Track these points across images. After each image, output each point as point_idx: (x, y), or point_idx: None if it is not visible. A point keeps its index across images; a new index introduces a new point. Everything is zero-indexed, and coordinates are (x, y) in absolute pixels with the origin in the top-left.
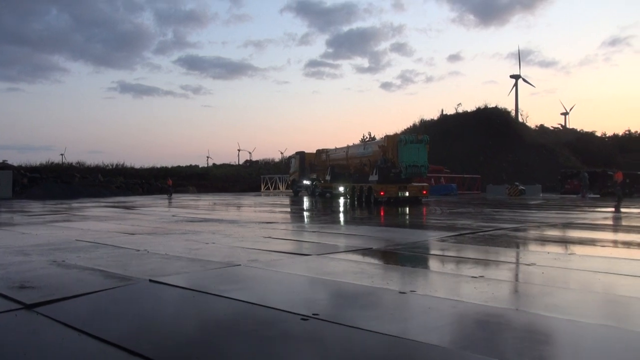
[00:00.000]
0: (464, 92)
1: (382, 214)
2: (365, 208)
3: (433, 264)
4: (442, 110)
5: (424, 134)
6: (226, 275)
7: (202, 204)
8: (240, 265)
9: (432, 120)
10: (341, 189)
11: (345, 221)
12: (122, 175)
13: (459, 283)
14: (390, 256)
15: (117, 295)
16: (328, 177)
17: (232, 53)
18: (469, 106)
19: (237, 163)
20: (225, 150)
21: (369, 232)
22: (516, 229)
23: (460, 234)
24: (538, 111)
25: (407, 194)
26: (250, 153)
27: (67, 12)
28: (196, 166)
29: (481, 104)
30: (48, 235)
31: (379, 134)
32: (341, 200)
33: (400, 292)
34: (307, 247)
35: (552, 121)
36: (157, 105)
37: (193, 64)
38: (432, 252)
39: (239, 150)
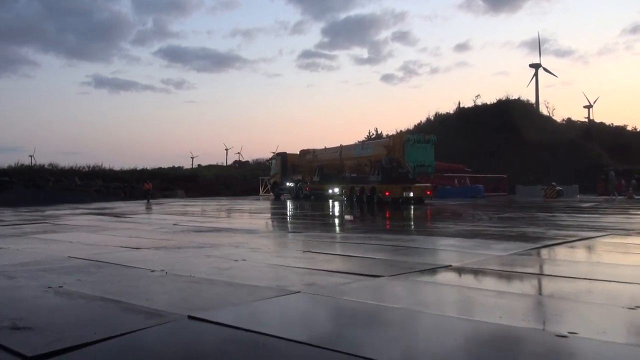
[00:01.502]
0: (472, 84)
1: (410, 218)
2: (379, 210)
3: (553, 286)
4: (459, 103)
5: (430, 134)
6: (292, 309)
7: (200, 211)
8: (299, 292)
9: (447, 114)
10: (336, 190)
11: (380, 228)
12: (101, 178)
13: (626, 316)
14: (489, 277)
15: (149, 342)
16: (316, 179)
17: (218, 43)
18: (487, 98)
19: (224, 164)
20: (211, 149)
21: (422, 242)
22: (605, 237)
23: (546, 245)
24: (556, 104)
25: (411, 194)
26: (239, 153)
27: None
28: (180, 167)
29: (502, 95)
30: (32, 251)
31: (386, 130)
32: (338, 202)
33: (559, 336)
34: (367, 264)
35: (573, 114)
36: (135, 101)
37: (175, 55)
38: (538, 269)
39: (226, 149)
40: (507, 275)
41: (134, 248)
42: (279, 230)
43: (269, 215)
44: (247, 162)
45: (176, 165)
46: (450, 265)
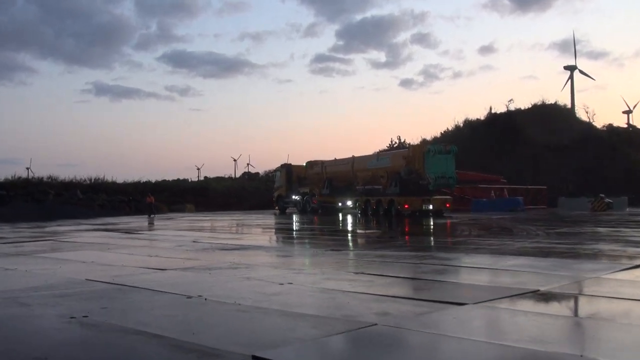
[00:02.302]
0: (498, 88)
1: (455, 233)
2: (405, 224)
3: None
4: (491, 109)
5: (451, 144)
6: (376, 348)
7: (216, 226)
8: (375, 324)
9: (477, 120)
10: (348, 202)
11: (428, 245)
12: (104, 191)
13: None
14: (596, 304)
15: None
16: (326, 191)
17: (225, 47)
18: (520, 103)
19: (233, 175)
20: (219, 160)
21: (489, 261)
22: None
23: (637, 266)
24: (594, 109)
25: (431, 206)
26: (248, 164)
27: (35, 2)
28: (185, 180)
29: (536, 100)
30: (43, 273)
31: (409, 139)
32: (352, 216)
33: None
34: (437, 288)
35: (610, 120)
36: (138, 109)
37: (180, 60)
38: None
39: (235, 160)
40: (618, 302)
41: (158, 269)
42: (313, 248)
43: (293, 230)
44: (257, 173)
45: (181, 178)
46: (538, 290)
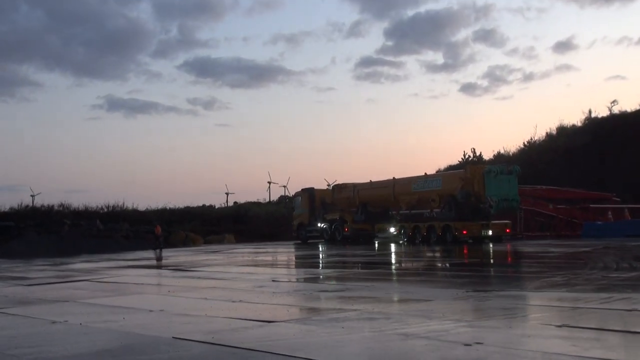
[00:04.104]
0: (578, 91)
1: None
2: (493, 253)
3: None
4: (590, 112)
5: (513, 164)
6: None
7: (281, 260)
8: None
9: (573, 126)
10: (391, 229)
11: (608, 282)
12: (125, 220)
13: None
14: None
15: None
16: (360, 217)
17: (256, 52)
18: (625, 105)
19: (266, 200)
20: (250, 183)
21: None
22: None
23: None
24: None
25: (490, 232)
26: (285, 187)
27: (41, 7)
28: (212, 206)
29: None
30: (106, 327)
31: (489, 151)
32: (396, 244)
33: None
34: None
35: None
36: (156, 126)
37: (204, 69)
38: None
39: (269, 183)
40: None
41: (262, 321)
42: (444, 288)
43: (387, 264)
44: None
45: (207, 204)
46: None
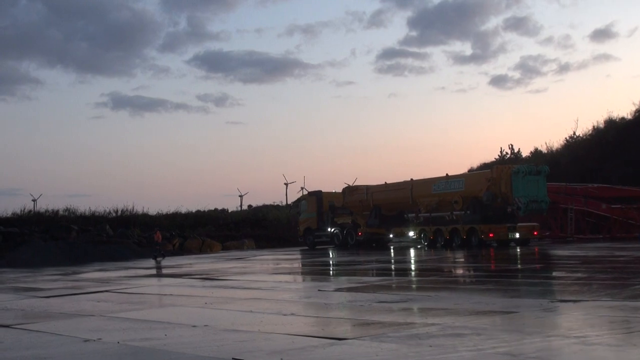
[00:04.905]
0: (620, 83)
1: None
2: (539, 257)
3: None
4: None
5: (542, 164)
6: None
7: (311, 267)
8: None
9: (622, 119)
10: (410, 233)
11: None
12: (136, 225)
13: None
14: None
15: None
16: (374, 221)
17: (271, 45)
18: None
19: (283, 203)
20: (263, 185)
21: None
22: None
23: None
24: None
25: (517, 235)
26: (303, 188)
27: (40, 0)
28: (224, 210)
29: None
30: (148, 345)
31: (524, 148)
32: (416, 248)
33: None
34: None
35: None
36: (164, 124)
37: (215, 63)
38: None
39: (286, 184)
40: None
41: (330, 338)
42: (524, 297)
43: (431, 270)
44: None
45: (219, 207)
46: None
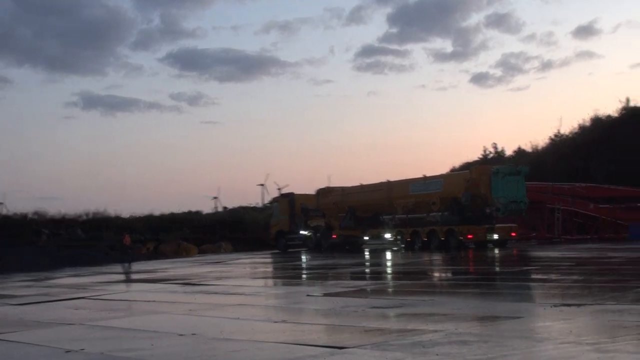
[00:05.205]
0: (603, 81)
1: None
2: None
3: None
4: (628, 100)
5: (522, 164)
6: None
7: (293, 271)
8: None
9: (609, 117)
10: (387, 235)
11: None
12: (109, 228)
13: None
14: None
15: None
16: (349, 222)
17: (247, 42)
18: None
19: (259, 205)
20: (238, 186)
21: None
22: None
23: None
24: None
25: (495, 236)
26: (280, 189)
27: None
28: (198, 212)
29: None
30: (131, 355)
31: (508, 147)
32: (393, 250)
33: None
34: None
35: None
36: (137, 124)
37: (189, 61)
38: None
39: (263, 185)
40: None
41: (328, 346)
42: (525, 302)
43: (419, 273)
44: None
45: (193, 209)
46: None
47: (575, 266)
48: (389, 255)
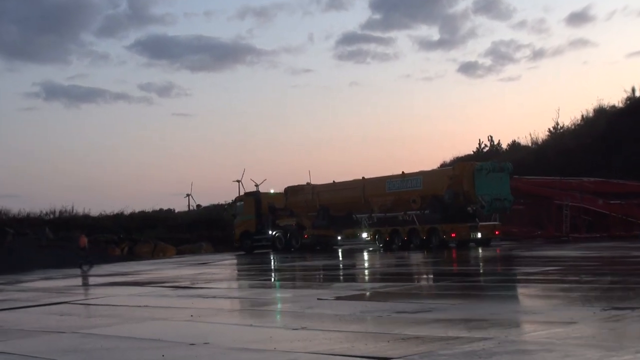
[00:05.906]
0: (598, 70)
1: None
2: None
3: None
4: (634, 90)
5: (505, 161)
6: None
7: (287, 273)
8: None
9: (614, 107)
10: (363, 235)
11: None
12: (77, 228)
13: None
14: None
15: None
16: (322, 222)
17: (220, 29)
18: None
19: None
20: (214, 183)
21: None
22: None
23: None
24: None
25: (479, 235)
26: (257, 186)
27: None
28: (170, 210)
29: None
30: None
31: (502, 140)
32: (371, 250)
33: None
34: None
35: None
36: (103, 116)
37: (159, 49)
38: None
39: (239, 182)
40: None
41: (368, 357)
42: (571, 305)
43: (412, 274)
44: None
45: (164, 208)
46: None
47: (603, 266)
48: (366, 255)
